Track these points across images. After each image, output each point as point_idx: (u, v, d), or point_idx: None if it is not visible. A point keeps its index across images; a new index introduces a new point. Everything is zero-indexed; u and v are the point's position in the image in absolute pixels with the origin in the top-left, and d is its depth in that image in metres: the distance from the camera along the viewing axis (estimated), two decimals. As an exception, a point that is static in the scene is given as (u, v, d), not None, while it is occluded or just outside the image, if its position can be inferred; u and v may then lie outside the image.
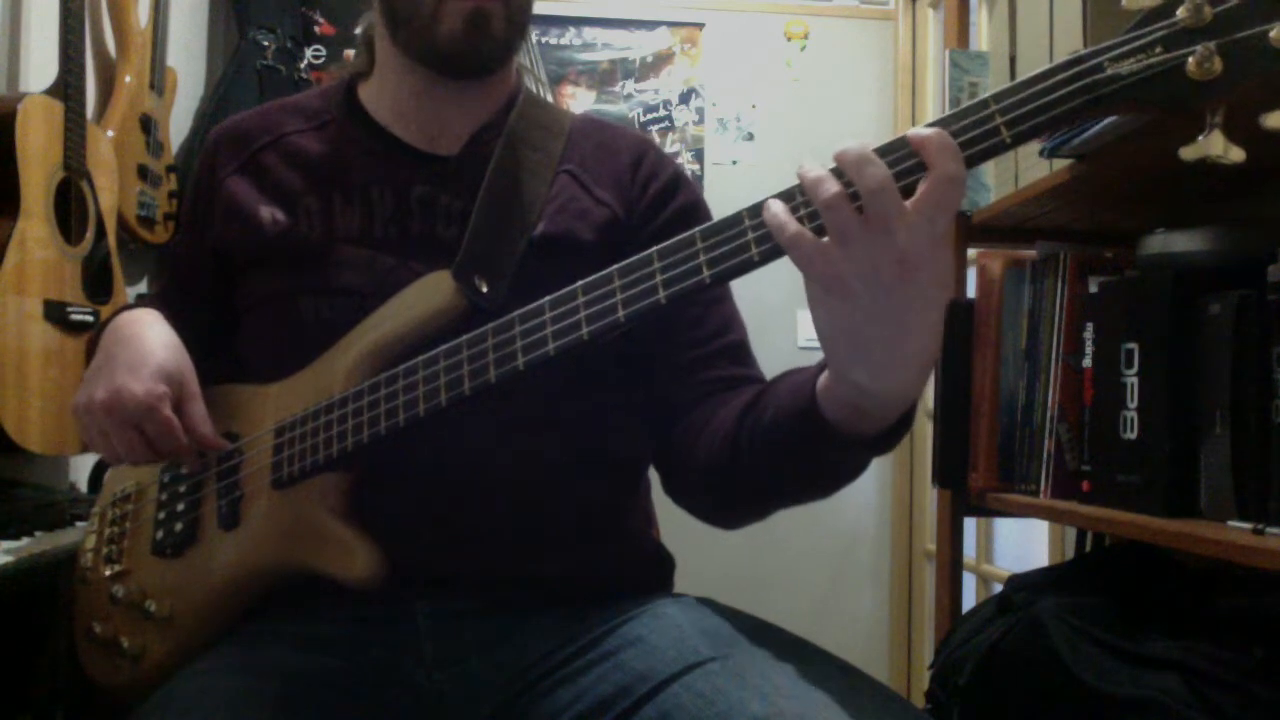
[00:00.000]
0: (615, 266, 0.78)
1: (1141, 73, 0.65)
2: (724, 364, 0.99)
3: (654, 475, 1.09)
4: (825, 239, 0.66)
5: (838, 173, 0.66)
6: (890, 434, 0.74)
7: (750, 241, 0.71)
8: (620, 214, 1.02)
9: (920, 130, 0.66)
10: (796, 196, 0.69)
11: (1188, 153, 0.66)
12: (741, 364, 1.01)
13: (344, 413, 0.90)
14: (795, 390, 0.79)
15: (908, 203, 0.64)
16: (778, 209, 0.68)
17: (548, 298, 0.81)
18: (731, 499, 0.92)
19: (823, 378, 0.75)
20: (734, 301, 1.05)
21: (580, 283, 0.80)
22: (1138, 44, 0.65)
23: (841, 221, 0.65)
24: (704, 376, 0.98)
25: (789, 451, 0.80)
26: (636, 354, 1.00)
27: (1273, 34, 0.61)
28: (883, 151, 0.66)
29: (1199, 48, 0.63)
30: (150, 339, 0.97)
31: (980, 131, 0.66)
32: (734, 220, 0.72)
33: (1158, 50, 0.64)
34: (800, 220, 0.68)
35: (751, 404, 0.86)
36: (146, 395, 0.91)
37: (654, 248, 0.76)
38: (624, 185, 1.04)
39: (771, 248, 0.71)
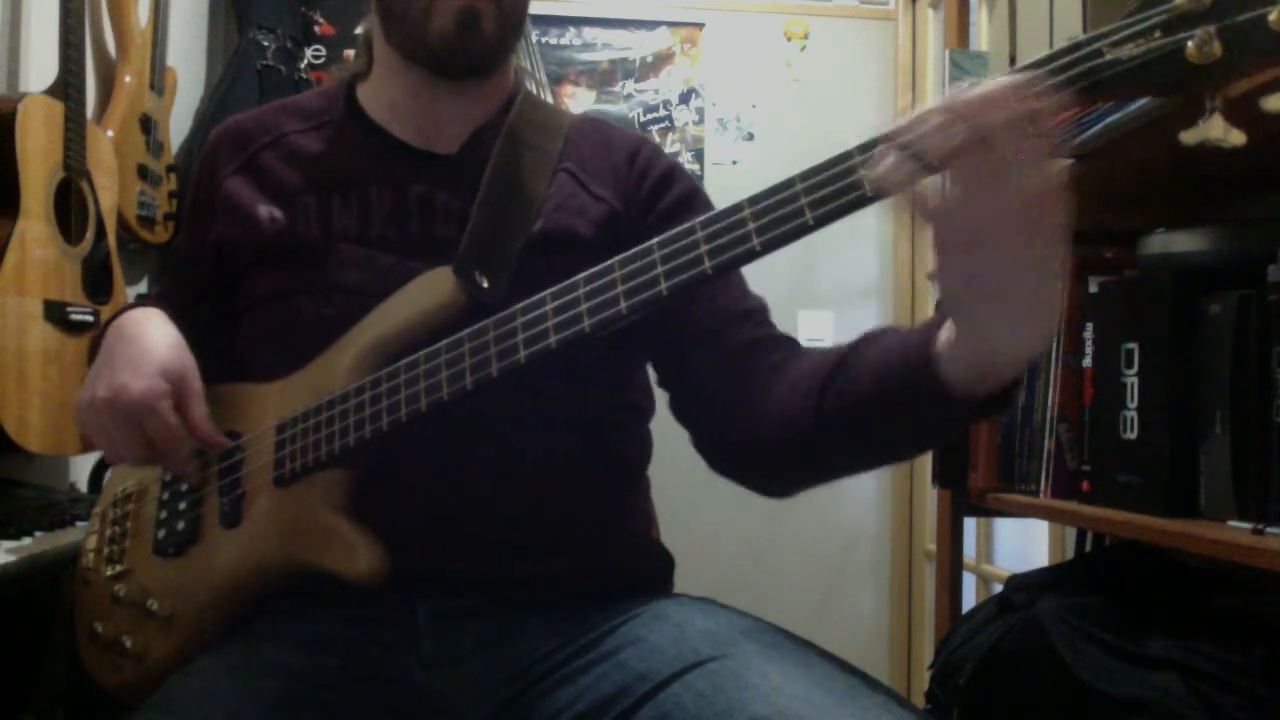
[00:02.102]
0: (616, 258, 0.78)
1: (1141, 57, 0.64)
2: (751, 326, 0.97)
3: (653, 474, 1.09)
4: (956, 192, 0.63)
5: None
6: (1005, 393, 0.72)
7: (751, 231, 0.71)
8: (619, 208, 1.02)
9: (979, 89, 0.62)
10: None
11: (1188, 136, 0.66)
12: (768, 325, 0.99)
13: (345, 409, 0.90)
14: (902, 353, 0.76)
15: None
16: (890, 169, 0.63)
17: (549, 291, 0.81)
18: (807, 465, 0.90)
19: (942, 340, 0.72)
20: (744, 278, 1.02)
21: (581, 275, 0.80)
22: (1137, 28, 0.65)
23: (974, 166, 0.62)
24: (735, 341, 0.96)
25: (895, 419, 0.77)
26: (653, 337, 0.99)
27: (1272, 17, 0.61)
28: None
29: (1199, 31, 0.63)
30: (153, 337, 0.97)
31: None
32: (734, 209, 0.72)
33: (1157, 35, 0.64)
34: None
35: (835, 373, 0.82)
36: (147, 393, 0.91)
37: (655, 239, 0.76)
38: (621, 179, 1.04)
39: (773, 237, 0.70)
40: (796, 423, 0.86)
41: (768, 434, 0.89)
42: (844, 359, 0.83)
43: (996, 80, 0.63)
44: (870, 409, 0.79)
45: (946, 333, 0.72)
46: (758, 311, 1.00)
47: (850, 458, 0.87)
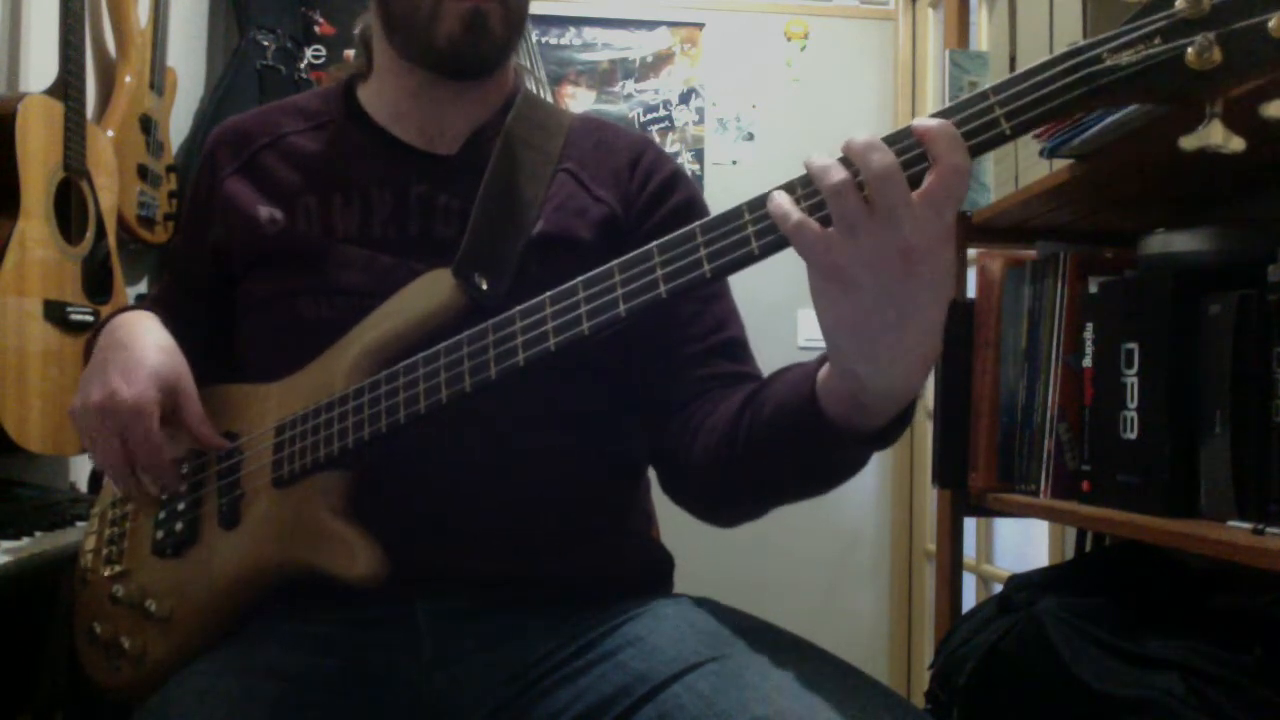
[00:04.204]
0: (616, 261, 0.78)
1: (1140, 63, 0.65)
2: (720, 361, 0.99)
3: (654, 475, 1.09)
4: (830, 229, 0.66)
5: (845, 163, 0.66)
6: (888, 430, 0.74)
7: (750, 235, 0.71)
8: (619, 211, 1.02)
9: (925, 121, 0.66)
10: (799, 188, 0.69)
11: (1188, 142, 0.66)
12: (738, 361, 1.00)
13: (344, 410, 0.90)
14: (793, 385, 0.78)
15: (914, 193, 0.64)
16: (781, 199, 0.68)
17: (548, 293, 0.81)
18: (729, 496, 0.92)
19: (823, 372, 0.74)
20: (732, 298, 1.04)
21: (580, 278, 0.80)
22: (1137, 35, 0.65)
23: (847, 209, 0.65)
24: (700, 374, 0.98)
25: (787, 447, 0.80)
26: (633, 351, 1.00)
27: (1271, 24, 0.61)
28: (888, 141, 0.66)
29: (1198, 38, 0.63)
30: (145, 342, 0.97)
31: (980, 123, 0.66)
32: (734, 214, 0.73)
33: (1157, 41, 0.64)
34: (804, 211, 0.68)
35: (748, 400, 0.86)
36: (137, 401, 0.91)
37: (654, 243, 0.76)
38: (622, 182, 1.04)
39: (772, 241, 0.71)
40: (713, 456, 0.88)
41: (693, 464, 0.91)
42: (754, 394, 0.85)
43: (918, 123, 0.65)
44: (769, 442, 0.81)
45: (825, 368, 0.74)
46: (731, 345, 1.01)
47: (765, 490, 0.89)
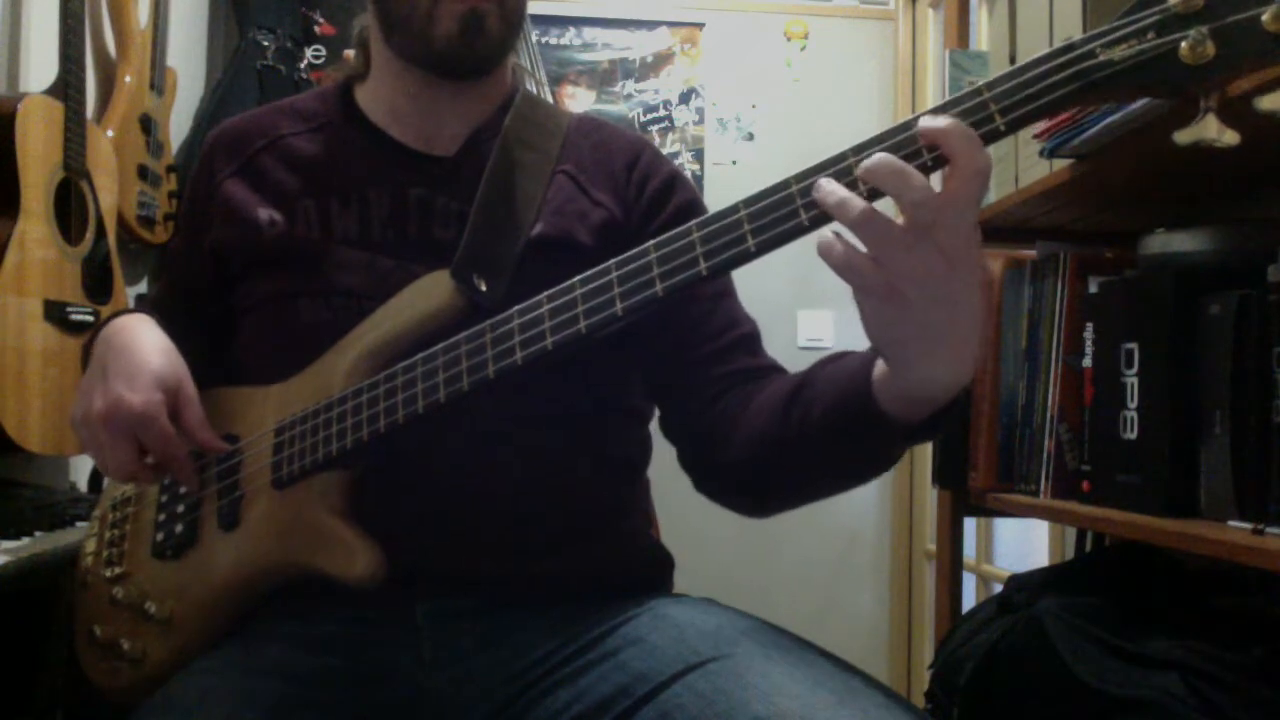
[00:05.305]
0: (612, 261, 0.78)
1: (1134, 58, 0.65)
2: (739, 357, 0.99)
3: (653, 474, 1.09)
4: (868, 253, 0.66)
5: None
6: (941, 416, 0.75)
7: (747, 233, 0.71)
8: (618, 215, 1.02)
9: (934, 122, 0.66)
10: (794, 182, 0.69)
11: (1182, 136, 0.67)
12: (756, 355, 1.01)
13: (343, 411, 0.90)
14: (844, 384, 0.79)
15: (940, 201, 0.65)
16: (829, 236, 0.67)
17: (546, 293, 0.81)
18: (776, 490, 0.93)
19: (877, 372, 0.75)
20: (738, 296, 1.05)
21: (578, 278, 0.80)
22: (1130, 29, 0.65)
23: (879, 233, 0.65)
24: (720, 371, 0.98)
25: (843, 445, 0.81)
26: (645, 355, 1.00)
27: (1265, 17, 0.62)
28: (895, 146, 0.66)
29: (1192, 32, 0.63)
30: (144, 346, 0.96)
31: (975, 119, 0.66)
32: (729, 212, 0.72)
33: (1150, 36, 0.64)
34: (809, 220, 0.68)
35: (792, 399, 0.86)
36: (144, 405, 0.91)
37: (650, 241, 0.76)
38: (620, 186, 1.04)
39: (767, 239, 0.71)
40: (759, 454, 0.89)
41: (736, 459, 0.92)
42: (800, 387, 0.86)
43: (933, 121, 0.65)
44: (822, 435, 0.82)
45: (879, 365, 0.75)
46: (747, 340, 1.01)
47: (811, 481, 0.89)
